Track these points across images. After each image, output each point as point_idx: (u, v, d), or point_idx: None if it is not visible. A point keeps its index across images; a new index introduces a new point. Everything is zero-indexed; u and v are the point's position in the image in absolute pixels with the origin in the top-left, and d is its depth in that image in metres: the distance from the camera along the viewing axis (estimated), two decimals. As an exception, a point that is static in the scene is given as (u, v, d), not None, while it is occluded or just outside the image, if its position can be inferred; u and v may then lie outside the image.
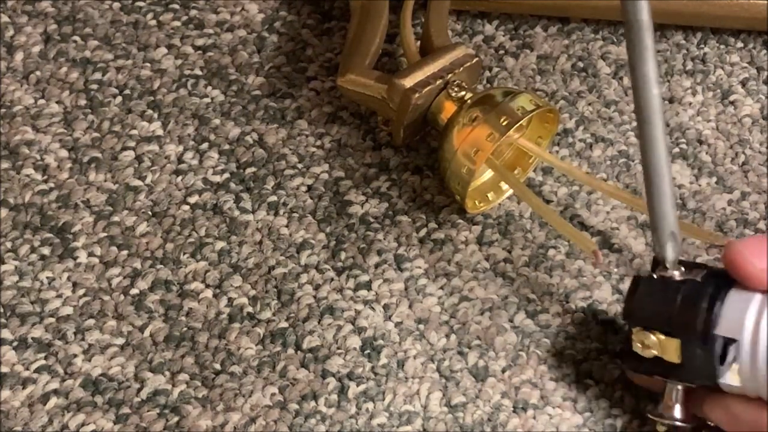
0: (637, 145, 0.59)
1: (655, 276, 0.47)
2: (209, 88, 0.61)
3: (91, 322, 0.53)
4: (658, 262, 0.47)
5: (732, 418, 0.46)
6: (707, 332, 0.45)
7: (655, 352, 0.46)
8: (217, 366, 0.51)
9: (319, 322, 0.53)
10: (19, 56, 0.62)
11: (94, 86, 0.61)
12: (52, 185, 0.57)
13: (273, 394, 0.51)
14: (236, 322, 0.53)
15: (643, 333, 0.46)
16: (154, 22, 0.64)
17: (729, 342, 0.45)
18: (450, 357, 0.52)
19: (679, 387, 0.47)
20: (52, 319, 0.53)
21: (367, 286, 0.54)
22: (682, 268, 0.47)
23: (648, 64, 0.42)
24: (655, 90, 0.42)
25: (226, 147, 0.59)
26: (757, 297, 0.45)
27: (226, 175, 0.58)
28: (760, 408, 0.45)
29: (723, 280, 0.46)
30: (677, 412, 0.47)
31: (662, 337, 0.46)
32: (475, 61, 0.57)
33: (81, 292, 0.54)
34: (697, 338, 0.45)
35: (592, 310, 0.53)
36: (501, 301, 0.54)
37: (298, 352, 0.52)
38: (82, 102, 0.60)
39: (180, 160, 0.58)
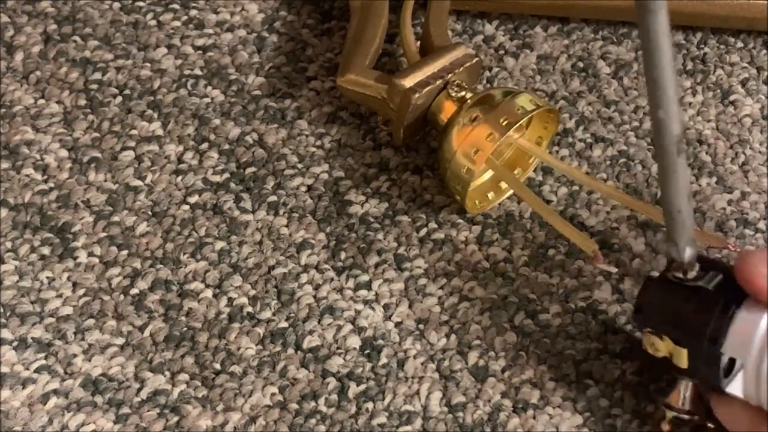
0: (637, 145, 0.59)
1: (668, 276, 0.46)
2: (209, 88, 0.61)
3: (91, 322, 0.53)
4: (672, 260, 0.46)
5: (733, 416, 0.46)
6: (713, 349, 0.45)
7: (664, 355, 0.46)
8: (217, 366, 0.51)
9: (319, 322, 0.53)
10: (19, 56, 0.62)
11: (94, 86, 0.61)
12: (52, 185, 0.57)
13: (273, 394, 0.51)
14: (236, 322, 0.53)
15: (653, 336, 0.46)
16: (154, 22, 0.64)
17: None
18: (450, 357, 0.52)
19: (690, 382, 0.47)
20: (52, 319, 0.53)
21: (367, 286, 0.54)
22: (697, 267, 0.46)
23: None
24: (670, 73, 0.41)
25: (226, 147, 0.59)
26: (766, 317, 0.45)
27: (226, 175, 0.58)
28: (760, 412, 0.45)
29: (735, 292, 0.45)
30: (687, 404, 0.48)
31: (671, 344, 0.46)
32: (475, 61, 0.57)
33: (81, 292, 0.54)
34: (704, 354, 0.45)
35: (592, 310, 0.53)
36: (501, 301, 0.54)
37: (298, 352, 0.52)
38: (82, 102, 0.60)
39: (180, 160, 0.58)
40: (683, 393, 0.48)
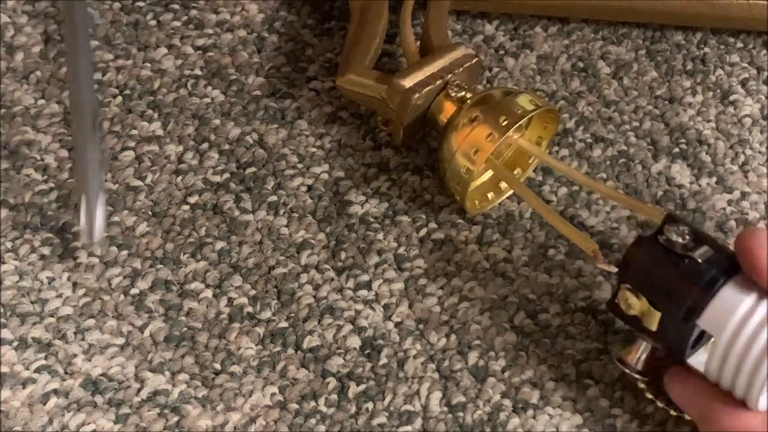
0: (637, 145, 0.59)
1: (660, 240, 0.47)
2: (209, 88, 0.61)
3: (91, 322, 0.53)
4: (670, 219, 0.47)
5: (686, 397, 0.47)
6: (688, 320, 0.45)
7: (635, 313, 0.47)
8: (217, 366, 0.51)
9: (319, 322, 0.53)
10: (19, 56, 0.62)
11: (94, 86, 0.61)
12: (52, 185, 0.57)
13: (273, 394, 0.51)
14: (236, 322, 0.53)
15: (630, 293, 0.47)
16: (154, 22, 0.64)
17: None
18: (450, 357, 0.52)
19: (649, 344, 0.48)
20: (52, 319, 0.53)
21: (367, 286, 0.54)
22: (688, 237, 0.46)
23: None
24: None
25: (226, 147, 0.59)
26: (749, 298, 0.45)
27: (226, 175, 0.58)
28: (713, 388, 0.46)
29: (724, 268, 0.46)
30: (639, 364, 0.49)
31: (647, 305, 0.46)
32: (475, 61, 0.57)
33: (81, 292, 0.54)
34: (678, 321, 0.46)
35: (592, 310, 0.53)
36: (501, 301, 0.54)
37: (298, 352, 0.52)
38: (82, 102, 0.60)
39: (180, 160, 0.58)
40: (639, 353, 0.48)
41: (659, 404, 0.49)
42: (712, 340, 0.46)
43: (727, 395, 0.46)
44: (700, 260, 0.46)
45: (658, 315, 0.46)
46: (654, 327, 0.47)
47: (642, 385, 0.50)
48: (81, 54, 0.52)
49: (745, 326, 0.45)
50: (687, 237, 0.46)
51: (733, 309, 0.45)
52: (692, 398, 0.47)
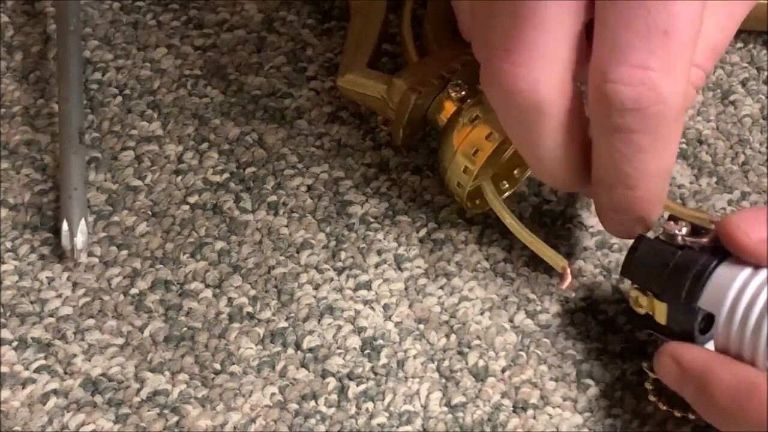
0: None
1: (661, 236, 0.48)
2: (209, 88, 0.61)
3: (91, 322, 0.53)
4: (672, 218, 0.49)
5: (680, 371, 0.47)
6: (690, 303, 0.46)
7: (645, 311, 0.48)
8: (217, 366, 0.51)
9: (319, 322, 0.53)
10: (18, 56, 0.62)
11: (94, 86, 0.61)
12: (51, 185, 0.57)
13: (273, 394, 0.51)
14: (236, 322, 0.53)
15: (637, 291, 0.48)
16: (153, 22, 0.64)
17: (711, 315, 0.46)
18: (450, 357, 0.52)
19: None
20: (52, 319, 0.53)
21: (367, 286, 0.54)
22: (686, 229, 0.48)
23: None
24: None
25: (226, 147, 0.59)
26: (744, 272, 0.46)
27: (226, 175, 0.58)
28: (710, 355, 0.46)
29: (719, 251, 0.47)
30: None
31: (654, 299, 0.48)
32: (475, 60, 0.56)
33: (81, 292, 0.54)
34: (681, 307, 0.47)
35: (592, 310, 0.53)
36: (501, 301, 0.54)
37: (298, 351, 0.52)
38: (82, 102, 0.60)
39: (180, 160, 0.58)
40: None
41: (662, 407, 0.49)
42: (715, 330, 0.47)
43: (725, 357, 0.46)
44: (696, 247, 0.47)
45: (664, 306, 0.47)
46: (664, 320, 0.48)
47: (649, 386, 0.49)
48: (72, 69, 0.56)
49: (743, 295, 0.46)
50: (685, 230, 0.48)
51: (729, 284, 0.46)
52: (686, 371, 0.46)
